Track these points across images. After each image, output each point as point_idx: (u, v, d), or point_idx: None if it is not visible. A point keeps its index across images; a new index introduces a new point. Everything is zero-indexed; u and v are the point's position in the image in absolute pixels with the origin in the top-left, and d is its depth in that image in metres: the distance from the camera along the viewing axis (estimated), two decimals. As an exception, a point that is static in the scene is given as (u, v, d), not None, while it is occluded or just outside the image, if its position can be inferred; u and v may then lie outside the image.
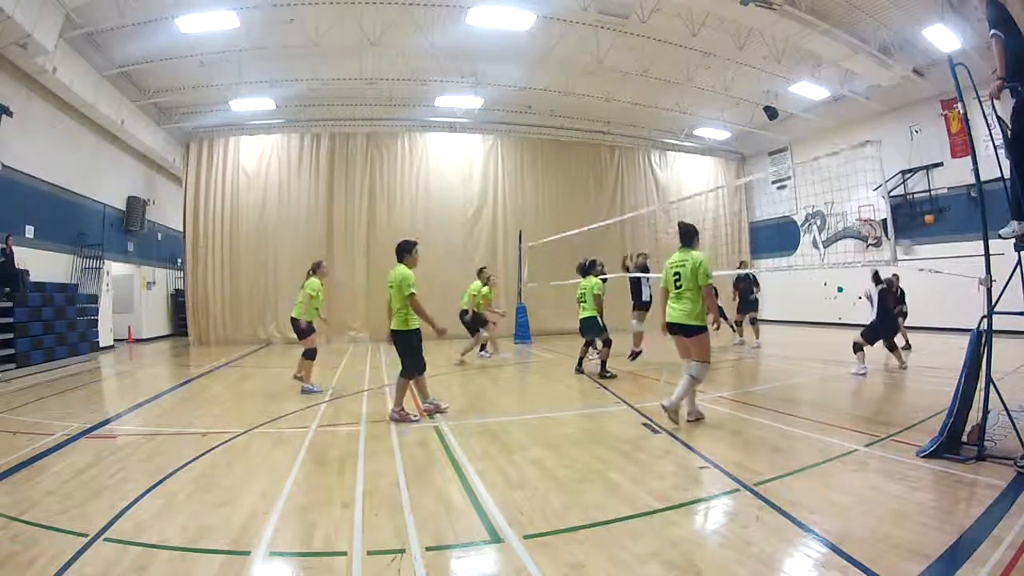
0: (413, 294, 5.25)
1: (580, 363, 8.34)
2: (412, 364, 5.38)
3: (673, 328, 5.04)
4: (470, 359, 10.03)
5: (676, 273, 5.01)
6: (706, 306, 4.93)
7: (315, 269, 7.38)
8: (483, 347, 10.55)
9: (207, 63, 11.67)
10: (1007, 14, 3.59)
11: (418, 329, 5.42)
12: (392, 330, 5.45)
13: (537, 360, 10.58)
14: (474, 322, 9.93)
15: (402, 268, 5.41)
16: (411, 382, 5.48)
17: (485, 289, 10.17)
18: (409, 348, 5.38)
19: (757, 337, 11.13)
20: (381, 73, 12.59)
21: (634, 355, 8.83)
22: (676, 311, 4.96)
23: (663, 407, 4.94)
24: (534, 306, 14.37)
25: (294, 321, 7.18)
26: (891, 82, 12.36)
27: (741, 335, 11.47)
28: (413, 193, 15.65)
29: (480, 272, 10.60)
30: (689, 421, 5.02)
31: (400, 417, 5.28)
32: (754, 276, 11.57)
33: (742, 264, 10.79)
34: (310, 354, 7.09)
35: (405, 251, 5.55)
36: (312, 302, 7.13)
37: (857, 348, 7.70)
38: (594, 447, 4.39)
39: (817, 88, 13.57)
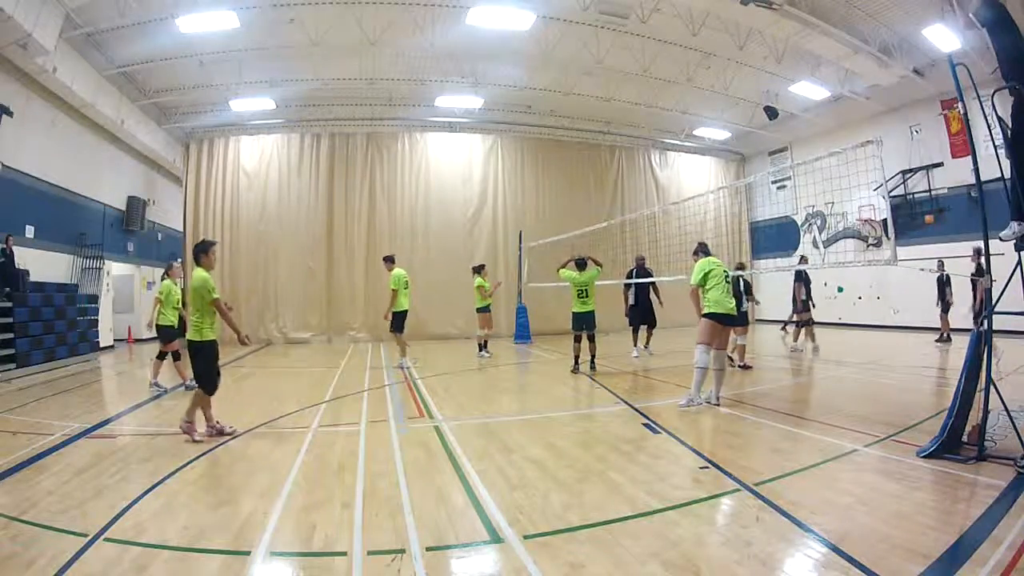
0: (217, 299, 4.81)
1: (577, 363, 8.35)
2: (206, 379, 4.84)
3: (729, 319, 5.86)
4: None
5: (726, 272, 5.98)
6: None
7: (167, 271, 7.56)
8: (482, 347, 10.59)
9: (207, 63, 11.67)
10: (1007, 14, 3.60)
11: (213, 341, 4.89)
12: (188, 340, 4.94)
13: (537, 360, 10.58)
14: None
15: (199, 272, 4.88)
16: (206, 396, 4.94)
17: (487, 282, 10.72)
18: (202, 361, 4.85)
19: (795, 340, 10.65)
20: (381, 73, 12.59)
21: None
22: (732, 305, 5.91)
23: (716, 404, 5.68)
24: (534, 306, 14.36)
25: (159, 327, 7.44)
26: (891, 82, 12.36)
27: (796, 339, 10.64)
28: (413, 193, 15.65)
29: (479, 269, 11.04)
30: (716, 404, 5.67)
31: (187, 429, 4.73)
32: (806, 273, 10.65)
33: (740, 266, 10.37)
34: (162, 355, 7.51)
35: (201, 252, 4.97)
36: (164, 305, 7.28)
37: None
38: (594, 447, 4.39)
39: (817, 88, 13.56)
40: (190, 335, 4.88)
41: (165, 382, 7.47)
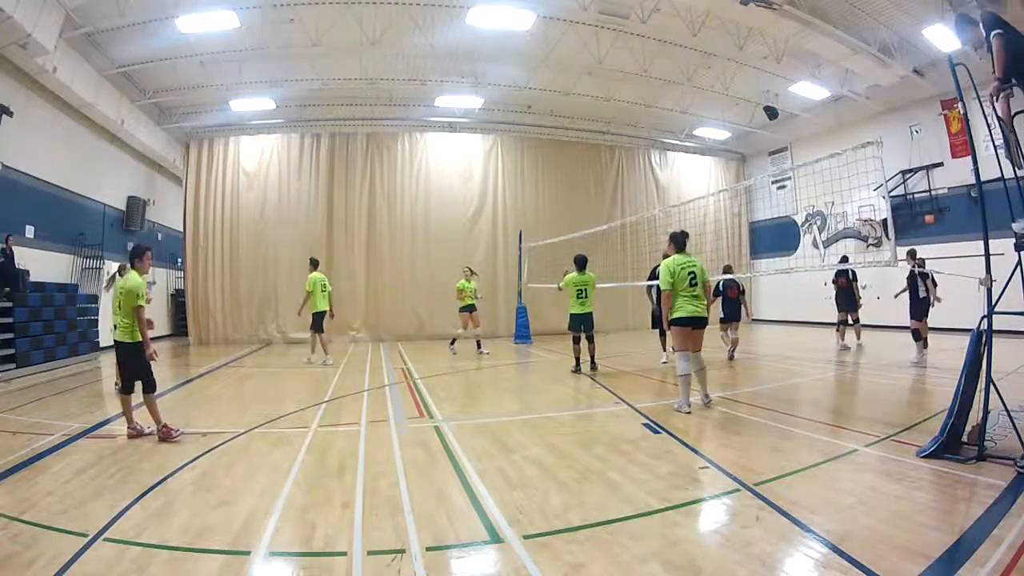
0: (140, 306, 4.79)
1: (578, 362, 8.35)
2: (149, 380, 4.86)
3: (696, 322, 5.56)
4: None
5: (692, 273, 5.58)
6: (708, 301, 5.77)
7: (121, 271, 7.52)
8: (479, 344, 10.97)
9: (207, 63, 11.67)
10: (1001, 19, 3.62)
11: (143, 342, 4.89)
12: (117, 341, 4.93)
13: (537, 360, 10.58)
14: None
15: (133, 276, 4.95)
16: (130, 397, 4.94)
17: (471, 283, 11.10)
18: (142, 362, 4.87)
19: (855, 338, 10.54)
20: (381, 73, 12.59)
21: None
22: (699, 307, 5.57)
23: (706, 404, 5.63)
24: (534, 306, 14.37)
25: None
26: (891, 82, 12.36)
27: (846, 338, 10.61)
28: (413, 193, 15.65)
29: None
30: (706, 404, 5.62)
31: (165, 434, 4.70)
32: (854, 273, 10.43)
33: (727, 268, 10.16)
34: None
35: (135, 256, 5.05)
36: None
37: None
38: (594, 447, 4.39)
39: (817, 88, 13.57)
40: (120, 336, 4.89)
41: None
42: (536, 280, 13.52)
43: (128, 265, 7.47)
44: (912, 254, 9.06)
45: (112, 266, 13.56)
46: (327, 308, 10.01)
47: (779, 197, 17.72)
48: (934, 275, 9.05)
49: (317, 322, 9.96)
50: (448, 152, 16.05)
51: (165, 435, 4.71)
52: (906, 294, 9.06)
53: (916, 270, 8.82)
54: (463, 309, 11.01)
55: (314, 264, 10.30)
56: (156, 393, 4.94)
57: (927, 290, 8.87)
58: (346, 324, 14.93)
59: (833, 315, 11.01)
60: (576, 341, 8.40)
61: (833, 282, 10.80)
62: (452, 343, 11.27)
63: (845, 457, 3.92)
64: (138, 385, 4.91)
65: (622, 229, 15.21)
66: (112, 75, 11.58)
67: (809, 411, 5.56)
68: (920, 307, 8.80)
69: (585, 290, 8.17)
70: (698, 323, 5.56)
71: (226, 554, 2.60)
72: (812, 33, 10.51)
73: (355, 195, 15.31)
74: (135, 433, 4.83)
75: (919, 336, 8.63)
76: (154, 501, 3.29)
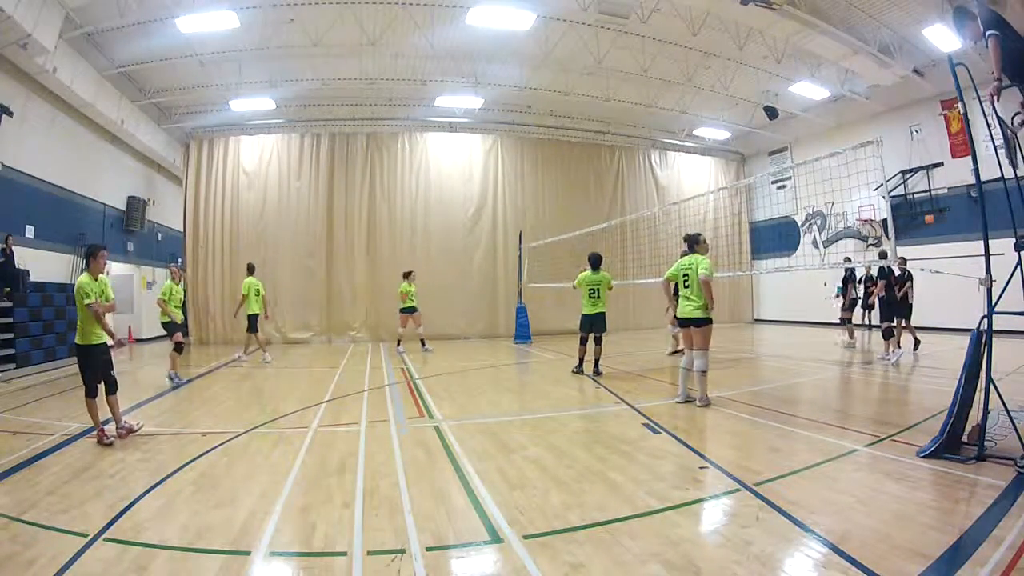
0: (88, 304, 4.76)
1: (581, 363, 8.28)
2: (86, 383, 4.78)
3: (684, 321, 5.89)
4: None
5: (685, 274, 5.90)
6: (707, 298, 5.70)
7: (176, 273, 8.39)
8: (399, 343, 11.71)
9: (207, 63, 11.67)
10: (1000, 17, 3.62)
11: (97, 346, 4.85)
12: (75, 343, 4.92)
13: (537, 360, 10.58)
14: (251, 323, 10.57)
15: (81, 277, 4.92)
16: (115, 398, 4.96)
17: (412, 287, 11.61)
18: (81, 365, 4.84)
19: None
20: (381, 73, 12.59)
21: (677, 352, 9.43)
22: (686, 307, 5.85)
23: (698, 405, 5.65)
24: (534, 306, 14.37)
25: (163, 324, 8.35)
26: (891, 82, 12.36)
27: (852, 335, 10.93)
28: (413, 193, 15.65)
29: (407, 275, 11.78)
30: (700, 407, 5.61)
31: (99, 437, 4.63)
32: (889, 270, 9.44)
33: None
34: (179, 348, 8.08)
35: (89, 256, 5.00)
36: (169, 303, 8.05)
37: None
38: (594, 447, 4.39)
39: (817, 88, 13.56)
40: (76, 338, 4.86)
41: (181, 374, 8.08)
42: (536, 280, 13.52)
43: (177, 268, 8.40)
44: (902, 260, 9.14)
45: (112, 266, 13.58)
46: (259, 311, 10.54)
47: (779, 197, 17.71)
48: (908, 272, 9.09)
49: (252, 323, 10.47)
50: (448, 152, 16.05)
51: (99, 437, 4.63)
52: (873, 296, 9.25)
53: (890, 269, 8.82)
54: (403, 311, 11.56)
55: (250, 269, 10.76)
56: (163, 395, 4.96)
57: (905, 292, 9.06)
58: (346, 324, 14.94)
59: (831, 315, 11.07)
60: (583, 342, 8.16)
61: (862, 285, 10.85)
62: (398, 343, 11.78)
63: (845, 457, 3.92)
64: (126, 382, 4.94)
65: (622, 229, 15.19)
66: (112, 75, 11.58)
67: (809, 411, 5.56)
68: (888, 308, 8.94)
69: (597, 290, 7.95)
70: (689, 323, 5.85)
71: (226, 554, 2.60)
72: (812, 33, 10.51)
73: (355, 195, 15.30)
74: (125, 432, 4.83)
75: (889, 335, 8.72)
76: (154, 501, 3.29)
